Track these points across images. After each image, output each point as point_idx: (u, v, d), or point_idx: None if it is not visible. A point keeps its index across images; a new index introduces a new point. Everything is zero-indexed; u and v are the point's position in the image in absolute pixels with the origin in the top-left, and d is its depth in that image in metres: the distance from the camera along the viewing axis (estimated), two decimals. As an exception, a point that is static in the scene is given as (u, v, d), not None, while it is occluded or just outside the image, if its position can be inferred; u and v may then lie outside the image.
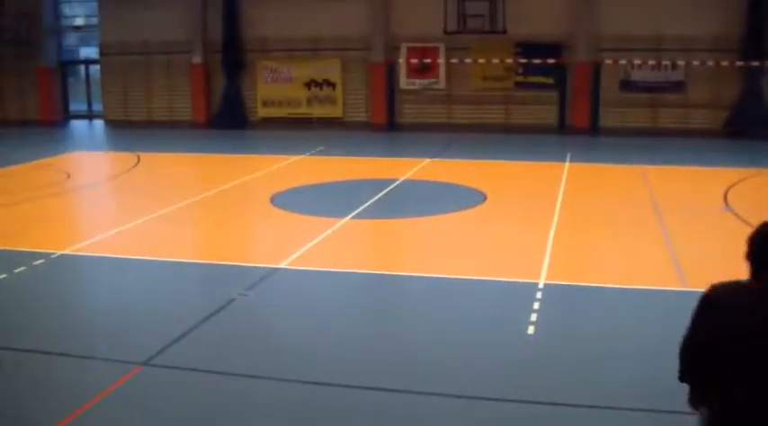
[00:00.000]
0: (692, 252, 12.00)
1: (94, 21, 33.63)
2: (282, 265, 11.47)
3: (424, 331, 8.93)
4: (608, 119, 27.64)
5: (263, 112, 31.55)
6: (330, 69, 30.58)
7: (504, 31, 27.21)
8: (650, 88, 27.46)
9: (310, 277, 11.12)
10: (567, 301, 9.97)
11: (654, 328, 8.77)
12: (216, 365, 7.16)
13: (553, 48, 27.81)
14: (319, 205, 15.85)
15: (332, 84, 30.65)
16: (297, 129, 29.14)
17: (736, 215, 14.34)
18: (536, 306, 9.47)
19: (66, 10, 35.16)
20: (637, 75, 27.53)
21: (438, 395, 6.96)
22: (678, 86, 27.27)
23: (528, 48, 27.96)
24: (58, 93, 34.78)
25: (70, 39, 35.89)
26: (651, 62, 26.95)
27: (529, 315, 9.11)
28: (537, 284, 10.32)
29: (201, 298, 10.54)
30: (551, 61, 27.66)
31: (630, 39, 26.93)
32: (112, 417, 6.58)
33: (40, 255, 12.16)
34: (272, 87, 31.29)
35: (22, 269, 11.47)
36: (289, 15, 30.24)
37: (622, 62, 27.15)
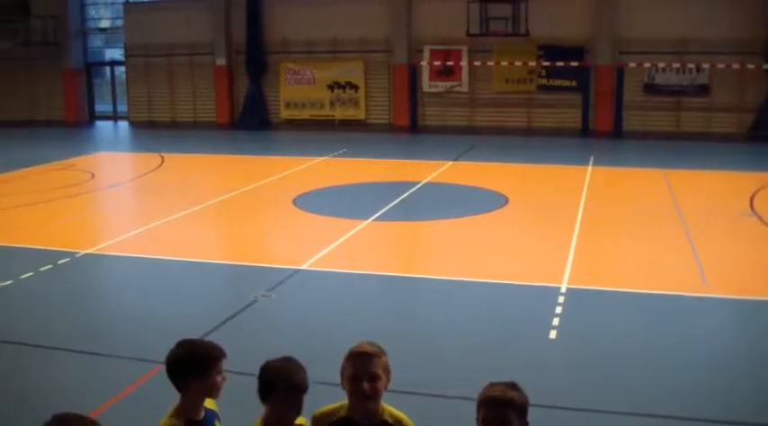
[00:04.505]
0: (716, 258, 11.91)
1: (120, 23, 33.88)
2: (304, 266, 11.51)
3: (445, 333, 8.93)
4: (631, 122, 27.48)
5: (285, 114, 31.63)
6: (353, 71, 30.61)
7: (527, 34, 27.17)
8: (674, 91, 27.29)
9: (332, 278, 11.14)
10: (590, 305, 9.92)
11: (677, 334, 8.74)
12: (237, 365, 7.18)
13: (576, 51, 27.69)
14: (341, 207, 15.87)
15: (355, 86, 30.68)
16: (319, 131, 29.19)
17: (761, 220, 14.25)
18: (558, 310, 9.45)
19: (92, 12, 35.44)
20: (660, 79, 27.37)
21: (457, 399, 6.95)
22: (702, 90, 27.08)
23: (551, 51, 27.87)
24: (83, 94, 35.04)
25: (96, 41, 36.14)
26: (675, 65, 26.79)
27: (551, 320, 9.09)
28: (559, 288, 10.29)
29: (224, 299, 10.60)
30: (574, 64, 27.54)
31: (654, 42, 26.79)
32: (134, 415, 6.62)
33: (64, 254, 12.26)
34: (294, 89, 31.37)
35: (48, 267, 11.58)
36: (311, 17, 30.30)
37: (646, 65, 27.01)
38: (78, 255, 12.30)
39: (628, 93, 27.47)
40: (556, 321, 9.06)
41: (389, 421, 3.82)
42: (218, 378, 3.96)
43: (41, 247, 12.82)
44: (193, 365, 3.94)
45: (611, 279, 11.01)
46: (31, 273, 11.25)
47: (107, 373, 7.95)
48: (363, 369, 3.73)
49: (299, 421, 3.98)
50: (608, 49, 27.47)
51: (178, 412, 3.94)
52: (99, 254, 12.57)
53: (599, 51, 27.64)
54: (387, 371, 3.79)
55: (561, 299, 9.85)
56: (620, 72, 27.19)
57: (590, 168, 19.92)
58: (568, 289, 10.27)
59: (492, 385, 3.52)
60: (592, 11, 27.65)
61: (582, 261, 11.74)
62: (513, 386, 3.52)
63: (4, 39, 33.72)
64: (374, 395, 3.73)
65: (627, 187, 18.27)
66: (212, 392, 3.98)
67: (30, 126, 32.90)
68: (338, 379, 3.85)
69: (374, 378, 3.72)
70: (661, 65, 26.92)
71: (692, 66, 26.63)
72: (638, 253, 12.39)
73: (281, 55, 31.27)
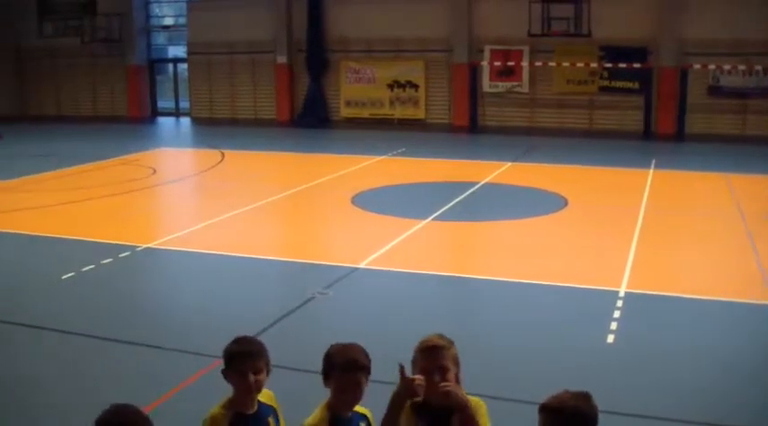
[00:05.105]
0: (780, 264, 11.70)
1: (183, 21, 34.30)
2: (362, 265, 11.54)
3: (501, 335, 8.88)
4: (694, 125, 27.03)
5: (345, 112, 31.74)
6: (413, 71, 30.61)
7: (589, 34, 26.92)
8: (739, 94, 26.79)
9: (389, 277, 11.15)
10: (649, 310, 9.79)
11: (738, 342, 8.60)
12: (292, 361, 7.23)
13: (638, 52, 27.34)
14: (400, 206, 15.87)
15: (415, 86, 30.67)
16: (378, 130, 29.21)
17: (826, 226, 13.96)
18: (616, 314, 9.34)
19: (156, 10, 35.92)
20: (726, 81, 26.89)
21: (511, 401, 6.92)
22: (769, 93, 26.61)
23: (612, 52, 27.55)
24: (146, 91, 35.57)
25: (159, 39, 36.66)
26: (741, 67, 26.32)
27: (609, 324, 9.00)
28: (618, 292, 10.18)
29: (281, 295, 10.68)
30: (636, 65, 27.21)
31: (719, 44, 26.31)
32: (189, 408, 6.70)
33: (125, 248, 12.46)
34: (354, 87, 31.46)
35: (109, 260, 11.78)
36: (372, 16, 30.36)
37: (711, 67, 26.56)
38: (138, 249, 12.49)
39: (691, 95, 27.04)
40: (614, 325, 8.97)
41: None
42: (251, 378, 4.00)
43: (103, 240, 13.03)
44: (225, 361, 4.09)
45: (670, 284, 10.84)
46: (92, 266, 11.45)
47: (164, 366, 8.06)
48: (433, 362, 3.86)
49: (361, 410, 4.02)
50: (671, 51, 27.07)
51: (228, 404, 4.05)
52: (159, 249, 12.74)
53: (662, 52, 27.24)
54: (456, 362, 3.93)
55: (620, 303, 9.75)
56: (684, 74, 26.79)
57: (651, 171, 19.65)
58: (627, 293, 10.15)
59: (562, 392, 3.58)
60: (655, 11, 27.27)
61: (641, 265, 11.59)
62: (579, 395, 3.54)
63: (71, 36, 34.43)
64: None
65: (689, 191, 18.01)
66: (243, 389, 4.03)
67: (94, 121, 33.47)
68: (393, 377, 3.87)
69: (444, 370, 3.85)
70: (726, 67, 26.44)
71: (759, 67, 26.11)
72: (699, 258, 12.21)
73: (341, 53, 31.39)
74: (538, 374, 7.59)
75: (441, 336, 4.01)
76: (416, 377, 3.79)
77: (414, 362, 3.94)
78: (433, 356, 3.87)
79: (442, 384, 3.78)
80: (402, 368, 3.81)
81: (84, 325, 9.09)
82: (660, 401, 7.10)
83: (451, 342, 3.98)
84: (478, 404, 3.89)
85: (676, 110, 27.09)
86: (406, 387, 3.76)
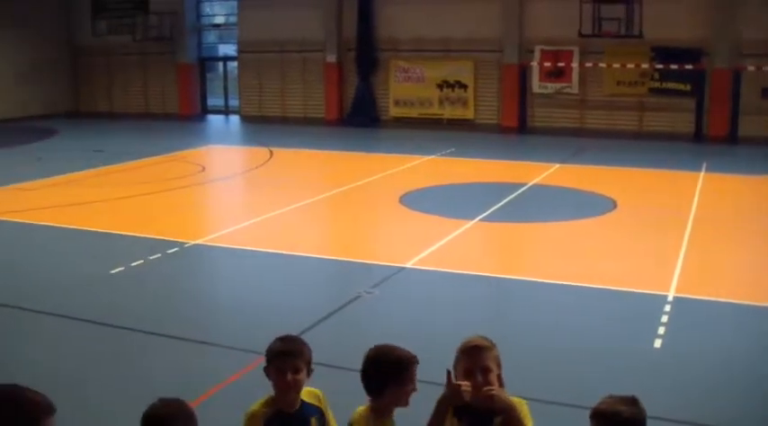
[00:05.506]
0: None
1: (233, 19, 34.55)
2: (409, 264, 11.54)
3: (547, 337, 8.84)
4: (748, 127, 26.56)
5: (394, 112, 31.74)
6: (462, 71, 30.51)
7: (641, 35, 26.61)
8: (796, 96, 26.36)
9: (436, 277, 11.14)
10: (698, 316, 9.65)
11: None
12: (337, 360, 7.26)
13: (691, 53, 26.95)
14: (447, 206, 15.85)
15: (464, 86, 30.57)
16: (427, 130, 29.17)
17: None
18: (664, 319, 9.25)
19: (207, 9, 36.24)
20: (781, 83, 26.48)
21: (557, 404, 6.89)
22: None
23: (664, 53, 27.21)
24: (196, 88, 35.88)
25: (210, 37, 36.97)
26: (798, 69, 25.88)
27: (656, 328, 8.91)
28: (666, 296, 10.07)
29: (328, 294, 10.73)
30: (688, 67, 26.85)
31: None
32: (233, 405, 6.75)
33: (174, 244, 12.61)
34: (404, 87, 31.45)
35: (157, 256, 11.92)
36: (421, 16, 30.32)
37: (766, 68, 26.11)
38: (187, 245, 12.62)
39: (745, 97, 26.61)
40: (661, 330, 8.88)
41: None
42: (289, 376, 4.01)
43: (152, 236, 13.21)
44: (266, 359, 4.14)
45: (721, 290, 10.65)
46: (141, 261, 11.60)
47: (209, 362, 8.15)
48: (475, 363, 3.87)
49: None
50: (725, 52, 26.64)
51: (270, 402, 4.10)
52: (206, 245, 12.86)
53: (715, 54, 26.84)
54: (498, 363, 3.94)
55: (668, 308, 9.64)
56: (737, 75, 26.39)
57: (702, 174, 19.39)
58: (676, 298, 10.04)
59: (608, 397, 3.58)
60: (708, 12, 26.85)
61: (691, 270, 11.45)
62: (629, 400, 3.54)
63: (124, 34, 34.90)
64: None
65: (741, 195, 17.72)
66: (282, 387, 4.05)
67: (145, 118, 33.86)
68: (439, 378, 3.88)
69: (486, 371, 3.86)
70: (781, 68, 26.01)
71: (816, 69, 25.65)
72: (750, 264, 12.03)
73: (390, 53, 31.39)
74: (584, 377, 7.55)
75: (483, 337, 4.03)
76: (463, 382, 3.79)
77: (456, 363, 3.95)
78: (475, 357, 3.89)
79: (487, 388, 3.78)
80: (449, 374, 3.81)
81: (132, 320, 9.21)
82: (708, 408, 7.02)
83: (493, 344, 3.99)
84: (520, 404, 3.89)
85: (729, 112, 26.68)
86: (452, 393, 3.77)
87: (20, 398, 2.96)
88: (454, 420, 3.87)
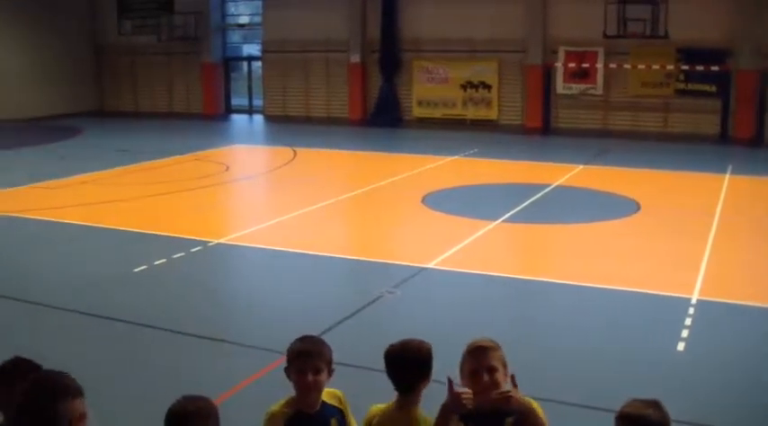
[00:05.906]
0: None
1: (258, 19, 34.66)
2: (431, 265, 11.53)
3: (569, 339, 8.81)
4: (775, 129, 26.41)
5: (417, 112, 31.71)
6: (486, 71, 30.44)
7: (666, 36, 26.47)
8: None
9: (458, 278, 11.13)
10: (722, 319, 9.58)
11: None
12: (358, 360, 7.27)
13: (717, 54, 26.76)
14: (470, 206, 15.83)
15: (488, 86, 30.49)
16: (451, 130, 29.13)
17: None
18: (687, 322, 9.19)
19: (232, 9, 36.38)
20: (808, 84, 26.23)
21: (578, 406, 6.86)
22: None
23: (690, 54, 27.02)
24: (221, 88, 36.00)
25: (234, 37, 37.08)
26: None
27: (680, 331, 8.86)
28: (690, 299, 10.00)
29: (350, 293, 10.73)
30: (714, 68, 26.65)
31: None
32: (254, 403, 6.77)
33: (197, 243, 12.66)
34: (427, 87, 31.42)
35: (181, 254, 11.98)
36: (445, 16, 30.29)
37: (793, 70, 25.91)
38: (210, 244, 12.67)
39: (772, 98, 26.42)
40: (685, 333, 8.82)
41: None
42: (309, 377, 3.98)
43: (175, 235, 13.27)
44: (287, 359, 4.09)
45: (745, 294, 10.56)
46: (164, 260, 11.65)
47: (232, 361, 8.18)
48: (481, 363, 3.86)
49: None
50: (751, 53, 26.39)
51: (290, 402, 4.08)
52: (230, 244, 12.91)
53: (741, 55, 26.62)
54: (504, 364, 3.92)
55: (691, 311, 9.58)
56: (764, 76, 26.16)
57: (728, 176, 19.24)
58: (699, 301, 9.97)
59: (632, 401, 3.55)
60: (734, 13, 26.62)
61: (714, 273, 11.36)
62: (653, 404, 3.52)
63: (149, 34, 35.14)
64: (494, 387, 3.80)
65: (767, 197, 17.59)
66: (302, 388, 4.02)
67: (169, 117, 34.05)
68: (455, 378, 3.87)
69: (492, 370, 3.84)
70: (809, 70, 25.76)
71: None
72: (775, 267, 11.95)
73: (414, 53, 31.36)
74: (606, 380, 7.51)
75: (488, 339, 4.04)
76: (464, 390, 3.78)
77: (462, 364, 3.95)
78: (480, 357, 3.88)
79: (502, 390, 3.75)
80: (450, 382, 3.79)
81: (155, 318, 9.26)
82: (731, 412, 6.97)
83: (498, 345, 3.99)
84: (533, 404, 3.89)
85: (755, 113, 26.47)
86: (453, 401, 3.75)
87: (50, 380, 3.42)
88: (461, 424, 3.85)
